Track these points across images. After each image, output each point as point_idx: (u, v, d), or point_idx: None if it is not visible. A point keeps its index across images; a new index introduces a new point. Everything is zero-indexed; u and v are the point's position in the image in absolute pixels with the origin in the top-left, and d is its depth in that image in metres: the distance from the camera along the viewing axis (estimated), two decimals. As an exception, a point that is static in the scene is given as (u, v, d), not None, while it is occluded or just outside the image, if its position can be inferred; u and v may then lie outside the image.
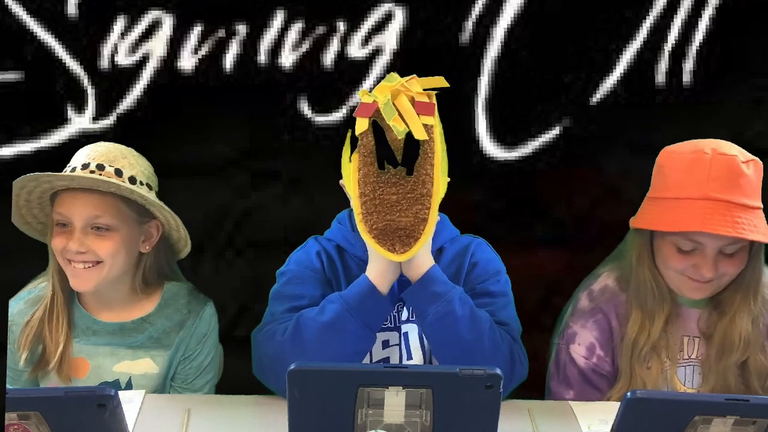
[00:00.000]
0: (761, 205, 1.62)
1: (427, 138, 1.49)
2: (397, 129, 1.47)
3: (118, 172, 1.65)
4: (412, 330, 1.67)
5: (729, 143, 1.64)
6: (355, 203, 1.51)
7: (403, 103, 1.49)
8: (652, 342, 1.66)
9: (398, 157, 1.49)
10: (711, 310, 1.69)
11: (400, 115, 1.48)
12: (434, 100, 1.53)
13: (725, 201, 1.57)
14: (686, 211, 1.59)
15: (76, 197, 1.65)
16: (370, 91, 1.54)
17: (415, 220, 1.48)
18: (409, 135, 1.48)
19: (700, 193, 1.58)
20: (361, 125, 1.50)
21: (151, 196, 1.68)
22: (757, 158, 1.63)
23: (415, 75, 1.55)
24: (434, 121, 1.51)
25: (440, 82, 1.55)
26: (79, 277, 1.66)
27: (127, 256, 1.69)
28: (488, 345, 1.55)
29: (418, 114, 1.48)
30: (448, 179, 1.61)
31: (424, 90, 1.53)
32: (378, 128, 1.50)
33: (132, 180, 1.66)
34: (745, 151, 1.63)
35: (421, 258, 1.58)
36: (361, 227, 1.50)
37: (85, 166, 1.65)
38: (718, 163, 1.59)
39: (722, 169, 1.58)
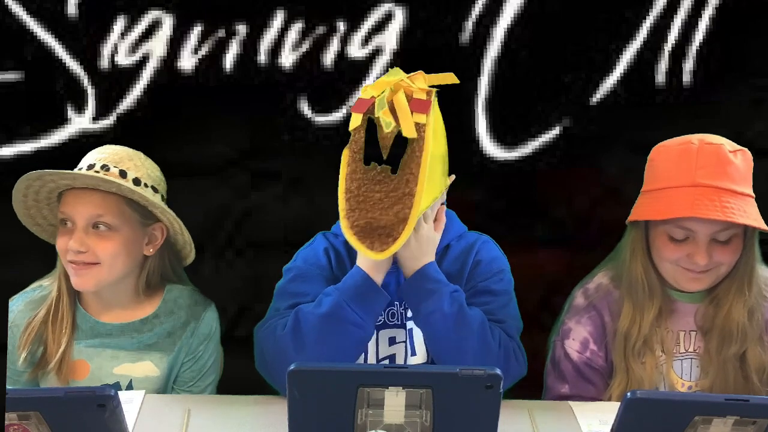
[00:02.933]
0: (752, 194, 1.63)
1: (416, 137, 1.48)
2: (384, 121, 1.47)
3: (123, 174, 1.65)
4: (417, 327, 1.67)
5: (717, 136, 1.65)
6: (340, 199, 1.51)
7: (399, 98, 1.49)
8: (643, 336, 1.68)
9: (386, 152, 1.50)
10: (707, 303, 1.70)
11: (394, 113, 1.48)
12: (433, 98, 1.53)
13: (713, 187, 1.59)
14: (675, 198, 1.61)
15: (79, 196, 1.65)
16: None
17: (395, 220, 1.47)
18: (399, 132, 1.48)
19: (688, 180, 1.60)
20: (355, 121, 1.51)
21: (156, 198, 1.68)
22: (745, 149, 1.64)
23: (421, 71, 1.54)
24: (428, 119, 1.50)
25: (450, 78, 1.54)
26: (80, 276, 1.66)
27: (128, 258, 1.69)
28: (477, 343, 1.56)
29: (411, 111, 1.48)
30: (453, 176, 1.61)
31: (431, 86, 1.53)
32: (371, 125, 1.50)
33: (136, 182, 1.66)
34: (734, 143, 1.65)
35: (417, 253, 1.59)
36: (343, 223, 1.49)
37: (90, 167, 1.66)
38: (705, 152, 1.61)
39: (709, 157, 1.61)
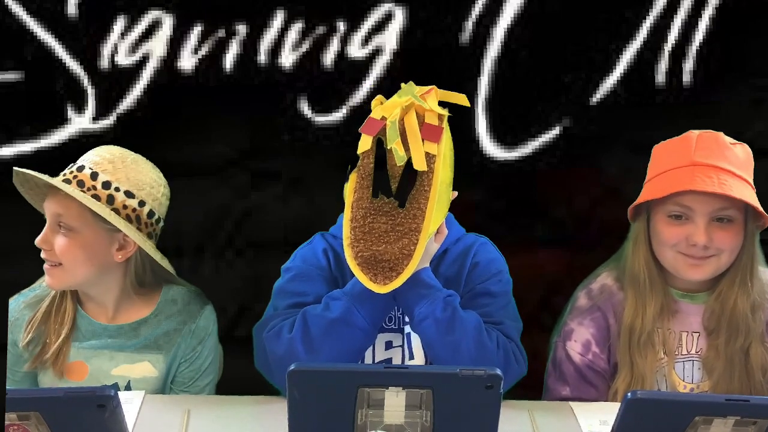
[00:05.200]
0: (752, 183, 1.64)
1: (426, 169, 1.48)
2: (397, 154, 1.46)
3: (94, 176, 1.65)
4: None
5: None
6: (345, 227, 1.51)
7: (411, 122, 1.48)
8: (647, 331, 1.68)
9: (395, 183, 1.49)
10: (713, 301, 1.69)
11: (404, 136, 1.47)
12: (445, 123, 1.52)
13: (712, 165, 1.62)
14: (674, 177, 1.64)
15: (53, 194, 1.66)
16: (386, 99, 1.53)
17: (400, 255, 1.47)
18: (409, 162, 1.47)
19: (686, 161, 1.64)
20: (365, 144, 1.50)
21: (118, 205, 1.64)
22: (744, 144, 1.68)
23: (434, 87, 1.53)
24: (438, 149, 1.49)
25: (461, 99, 1.54)
26: (50, 276, 1.67)
27: (89, 262, 1.66)
28: (472, 345, 1.55)
29: (423, 138, 1.47)
30: (456, 193, 1.60)
31: (441, 102, 1.52)
32: (381, 149, 1.49)
33: (106, 185, 1.64)
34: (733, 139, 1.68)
35: None
36: (347, 252, 1.49)
37: (80, 168, 1.67)
38: (704, 137, 1.66)
39: (708, 141, 1.65)
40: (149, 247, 1.68)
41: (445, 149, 1.52)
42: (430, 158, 1.48)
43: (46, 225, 1.66)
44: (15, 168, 1.66)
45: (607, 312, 1.74)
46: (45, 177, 1.64)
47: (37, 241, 1.65)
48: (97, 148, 1.72)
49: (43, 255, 1.66)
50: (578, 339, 1.74)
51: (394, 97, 1.52)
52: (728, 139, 1.66)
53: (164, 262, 1.72)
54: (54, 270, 1.66)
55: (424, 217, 1.48)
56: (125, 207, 1.66)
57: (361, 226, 1.49)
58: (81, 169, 1.66)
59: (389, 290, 1.49)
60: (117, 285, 1.73)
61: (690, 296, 1.72)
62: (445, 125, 1.52)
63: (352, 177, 1.52)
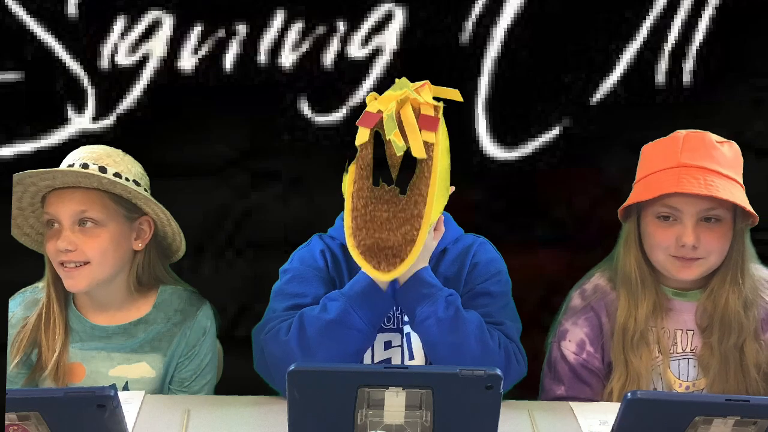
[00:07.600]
0: (741, 182, 1.65)
1: (426, 157, 1.48)
2: (396, 145, 1.46)
3: (103, 170, 1.65)
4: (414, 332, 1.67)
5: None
6: (346, 217, 1.51)
7: (407, 114, 1.48)
8: (640, 330, 1.68)
9: (395, 172, 1.50)
10: (705, 299, 1.70)
11: (402, 127, 1.48)
12: (440, 114, 1.52)
13: (698, 166, 1.63)
14: (661, 178, 1.65)
15: (62, 195, 1.65)
16: (379, 95, 1.54)
17: (403, 241, 1.47)
18: (408, 151, 1.47)
19: (673, 162, 1.65)
20: (362, 136, 1.50)
21: (138, 190, 1.67)
22: (732, 141, 1.68)
23: (427, 81, 1.54)
24: (436, 138, 1.49)
25: (454, 94, 1.54)
26: (72, 278, 1.66)
27: (117, 253, 1.68)
28: (474, 345, 1.55)
29: (420, 129, 1.48)
30: (453, 188, 1.61)
31: (434, 98, 1.53)
32: (379, 141, 1.50)
33: (117, 176, 1.66)
34: (720, 137, 1.68)
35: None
36: (349, 242, 1.49)
37: (70, 167, 1.66)
38: (691, 138, 1.67)
39: (695, 141, 1.66)
40: (176, 227, 1.71)
41: (442, 140, 1.53)
42: (428, 146, 1.49)
43: (63, 227, 1.64)
44: (32, 171, 1.61)
45: (600, 312, 1.74)
46: (87, 171, 1.62)
47: (61, 244, 1.62)
48: (80, 149, 1.71)
49: (63, 258, 1.64)
50: (572, 339, 1.74)
51: (389, 91, 1.52)
52: (715, 138, 1.66)
53: (182, 245, 1.75)
54: (79, 270, 1.65)
55: (425, 203, 1.48)
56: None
57: (363, 215, 1.49)
58: (85, 166, 1.65)
59: (393, 277, 1.49)
60: (123, 283, 1.73)
61: (683, 294, 1.72)
62: (441, 117, 1.53)
63: (351, 169, 1.52)
